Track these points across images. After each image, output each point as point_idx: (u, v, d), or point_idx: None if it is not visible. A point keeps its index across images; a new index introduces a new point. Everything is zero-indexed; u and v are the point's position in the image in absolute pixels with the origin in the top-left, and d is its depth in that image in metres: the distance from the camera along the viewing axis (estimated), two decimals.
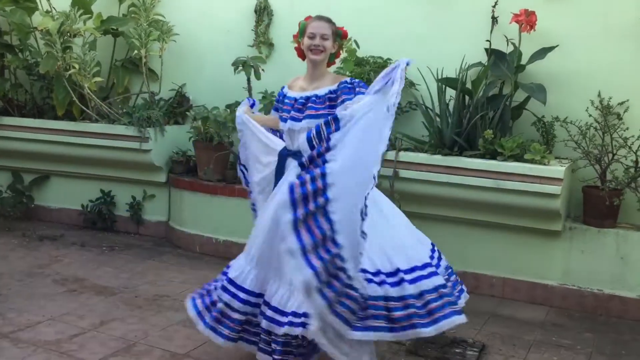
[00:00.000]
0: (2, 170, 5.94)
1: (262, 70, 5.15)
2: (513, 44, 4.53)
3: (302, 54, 3.33)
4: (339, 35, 3.30)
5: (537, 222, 4.34)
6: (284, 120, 3.24)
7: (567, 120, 4.44)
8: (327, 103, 3.14)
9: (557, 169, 4.14)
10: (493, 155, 4.33)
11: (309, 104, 3.16)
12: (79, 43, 5.39)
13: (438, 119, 4.65)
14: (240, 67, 5.06)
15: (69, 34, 5.35)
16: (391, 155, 4.51)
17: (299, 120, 3.16)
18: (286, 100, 3.29)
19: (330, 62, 3.34)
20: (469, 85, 4.57)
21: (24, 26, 5.66)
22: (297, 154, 3.14)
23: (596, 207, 4.34)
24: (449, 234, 4.65)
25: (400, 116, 4.90)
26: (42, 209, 6.07)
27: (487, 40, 4.65)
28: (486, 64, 4.56)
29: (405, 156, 4.51)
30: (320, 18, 3.28)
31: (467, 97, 4.60)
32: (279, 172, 3.24)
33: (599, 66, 4.49)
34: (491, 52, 4.63)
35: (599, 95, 4.42)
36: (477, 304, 4.40)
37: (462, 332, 3.88)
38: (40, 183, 6.04)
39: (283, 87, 3.41)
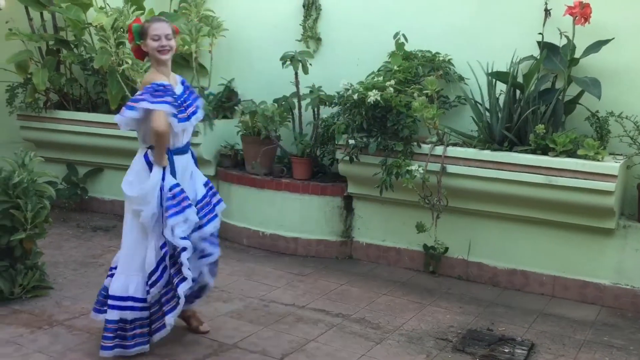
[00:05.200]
0: (58, 162, 6.12)
1: (310, 64, 5.17)
2: (566, 37, 4.42)
3: (140, 55, 3.41)
4: (174, 32, 3.39)
5: (590, 219, 4.24)
6: (185, 119, 3.34)
7: (622, 115, 4.31)
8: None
9: (611, 165, 4.03)
10: (544, 151, 4.25)
11: (190, 101, 3.42)
12: None
13: (487, 114, 4.58)
14: (288, 62, 5.09)
15: (122, 30, 5.47)
16: (439, 150, 4.47)
17: (189, 118, 3.38)
18: (186, 97, 3.42)
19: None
20: (520, 79, 4.48)
21: (79, 22, 5.81)
22: (185, 149, 3.43)
23: None
24: (497, 230, 4.59)
25: (448, 111, 4.85)
26: (96, 201, 6.25)
27: (540, 33, 4.56)
28: (538, 57, 4.47)
29: (453, 151, 4.46)
30: (159, 20, 3.39)
31: (518, 92, 4.52)
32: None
33: None
34: (544, 46, 4.53)
35: None
36: (526, 302, 4.34)
37: (511, 330, 3.84)
38: (94, 175, 6.21)
39: (167, 84, 3.30)
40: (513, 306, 4.27)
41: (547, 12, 4.54)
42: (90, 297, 4.05)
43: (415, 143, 4.55)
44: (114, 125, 5.61)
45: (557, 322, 4.04)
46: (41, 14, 6.07)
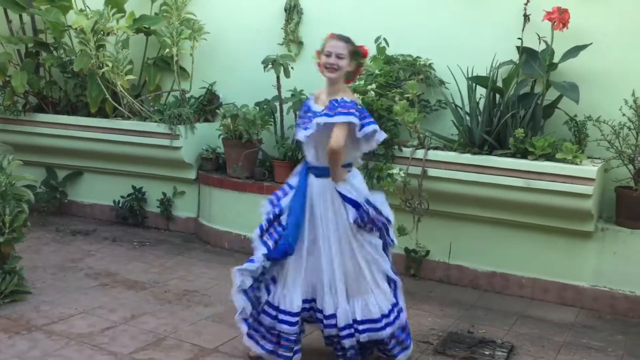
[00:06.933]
0: (37, 166, 6.05)
1: (292, 68, 5.18)
2: (545, 42, 4.48)
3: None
4: (358, 54, 3.27)
5: (569, 222, 4.28)
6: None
7: (600, 119, 4.37)
8: None
9: (589, 169, 4.08)
10: (524, 155, 4.29)
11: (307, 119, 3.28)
12: (112, 41, 5.48)
13: (468, 118, 4.62)
14: (270, 65, 5.09)
15: (102, 33, 5.43)
16: (420, 153, 4.49)
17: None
18: (309, 114, 3.30)
19: (348, 79, 3.34)
20: (499, 84, 4.53)
21: (59, 25, 5.76)
22: (316, 169, 3.25)
23: (629, 207, 4.27)
24: (478, 233, 4.62)
25: (429, 115, 4.88)
26: (75, 205, 6.19)
27: (519, 38, 4.60)
28: (517, 62, 4.52)
29: (434, 155, 4.49)
30: (339, 37, 3.27)
31: (497, 96, 4.56)
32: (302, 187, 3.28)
33: (633, 65, 4.41)
34: (523, 50, 4.58)
35: (633, 94, 4.33)
36: (506, 305, 4.37)
37: (491, 333, 3.86)
38: (74, 179, 6.15)
39: (309, 99, 3.43)
40: (493, 309, 4.30)
41: (526, 17, 4.58)
42: (69, 302, 4.03)
43: (396, 147, 4.58)
44: (94, 128, 5.71)
45: (537, 324, 4.07)
46: (20, 16, 6.00)
